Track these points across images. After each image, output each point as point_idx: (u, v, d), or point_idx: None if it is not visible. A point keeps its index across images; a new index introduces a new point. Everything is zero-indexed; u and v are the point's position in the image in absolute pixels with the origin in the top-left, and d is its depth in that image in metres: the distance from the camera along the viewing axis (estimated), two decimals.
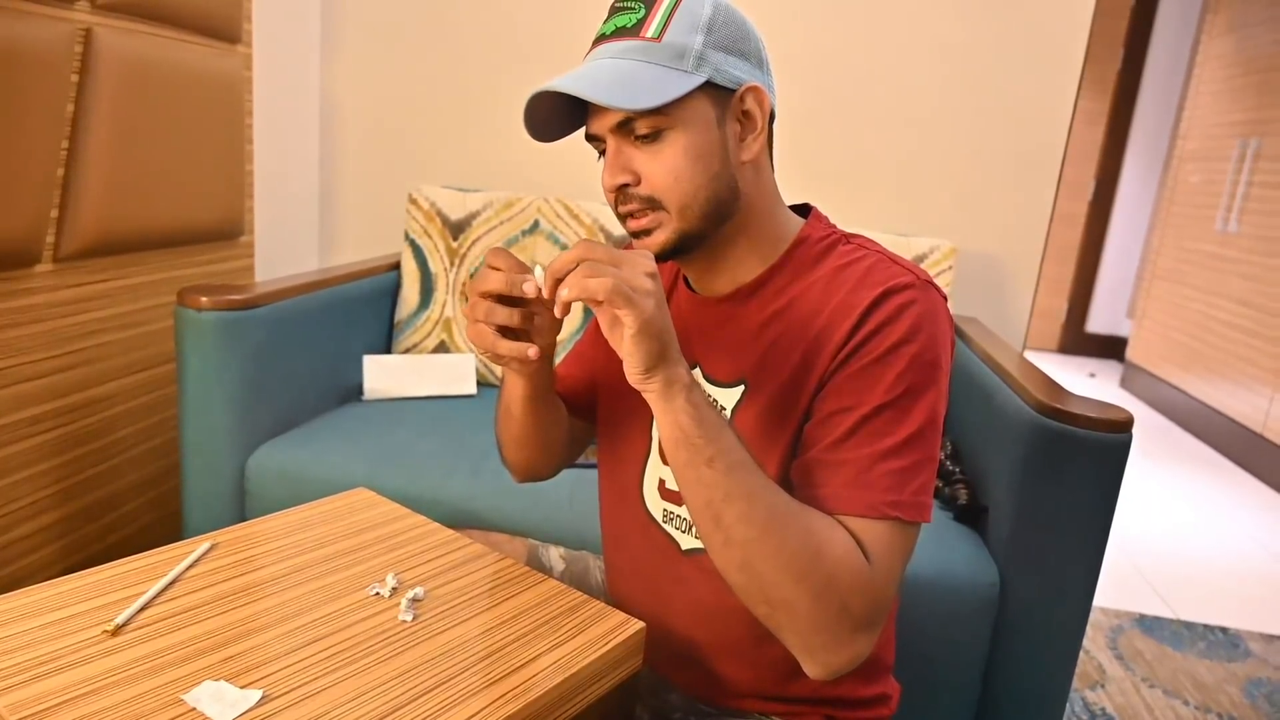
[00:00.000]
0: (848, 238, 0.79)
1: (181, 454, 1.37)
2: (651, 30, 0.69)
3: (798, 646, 0.67)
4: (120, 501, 1.53)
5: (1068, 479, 1.07)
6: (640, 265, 0.61)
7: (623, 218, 0.74)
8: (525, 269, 0.68)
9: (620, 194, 0.72)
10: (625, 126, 0.70)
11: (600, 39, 0.72)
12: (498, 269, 0.67)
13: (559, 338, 0.95)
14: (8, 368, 1.27)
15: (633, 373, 0.63)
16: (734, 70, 0.71)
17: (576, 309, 1.63)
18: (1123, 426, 1.05)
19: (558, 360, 0.96)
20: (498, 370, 1.73)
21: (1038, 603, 1.12)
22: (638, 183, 0.71)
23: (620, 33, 0.70)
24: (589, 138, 0.74)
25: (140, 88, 1.40)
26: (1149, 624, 1.93)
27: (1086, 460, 1.06)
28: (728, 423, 0.66)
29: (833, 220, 0.82)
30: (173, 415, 1.59)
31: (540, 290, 0.65)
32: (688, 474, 0.65)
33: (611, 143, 0.71)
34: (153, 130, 1.45)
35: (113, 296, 1.46)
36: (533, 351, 0.68)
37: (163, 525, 1.63)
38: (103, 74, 1.32)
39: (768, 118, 0.74)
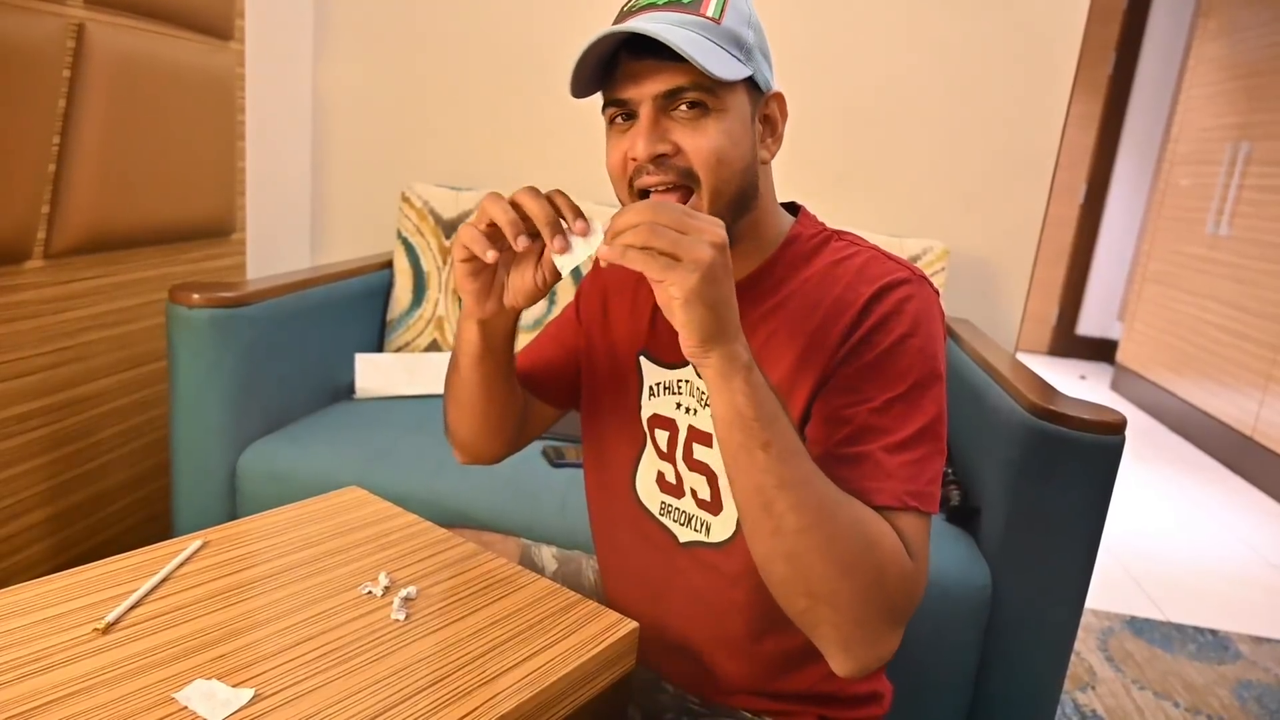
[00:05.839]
0: (839, 234, 0.79)
1: (171, 452, 1.36)
2: (711, 10, 0.68)
3: (833, 640, 0.65)
4: (109, 500, 1.52)
5: (1060, 480, 1.07)
6: (706, 233, 0.58)
7: (643, 190, 0.71)
8: (574, 214, 0.65)
9: (655, 163, 0.69)
10: (673, 96, 0.68)
11: (648, 6, 0.69)
12: (543, 201, 0.64)
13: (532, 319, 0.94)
14: None
15: (687, 345, 0.61)
16: (766, 73, 0.73)
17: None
18: (1116, 428, 1.05)
19: (530, 339, 0.95)
20: None
21: (1029, 604, 1.12)
22: (675, 154, 0.69)
23: (674, 4, 0.69)
24: (615, 102, 0.71)
25: (132, 83, 1.39)
26: (1139, 626, 1.93)
27: (1079, 462, 1.06)
28: (783, 407, 0.64)
29: (826, 220, 0.82)
30: (162, 413, 1.58)
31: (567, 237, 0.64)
32: (740, 458, 0.63)
33: (649, 110, 0.69)
34: (144, 126, 1.44)
35: (103, 293, 1.45)
36: (491, 255, 0.65)
37: (152, 524, 1.62)
38: (94, 69, 1.31)
39: (784, 125, 0.76)
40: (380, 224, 2.10)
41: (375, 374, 1.64)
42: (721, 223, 0.60)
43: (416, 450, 1.35)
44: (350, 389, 1.64)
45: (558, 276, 0.69)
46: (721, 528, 0.79)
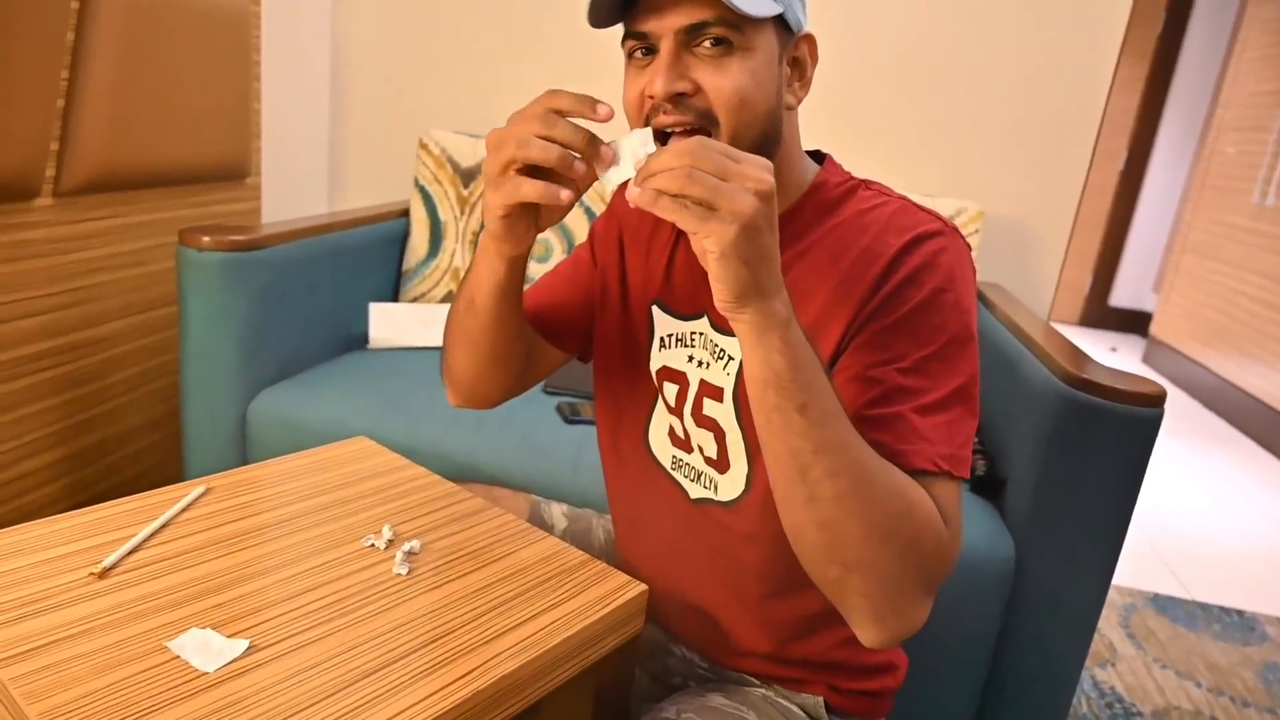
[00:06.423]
0: (866, 183, 0.75)
1: (182, 398, 1.35)
2: None
3: (864, 610, 0.63)
4: (121, 444, 1.52)
5: (1093, 453, 1.03)
6: (751, 179, 0.53)
7: (659, 130, 0.67)
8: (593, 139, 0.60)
9: (673, 103, 0.65)
10: (696, 31, 0.64)
11: None
12: (563, 110, 0.60)
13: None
14: (6, 303, 1.25)
15: (719, 300, 0.57)
16: (798, 12, 0.68)
17: None
18: (1154, 400, 1.01)
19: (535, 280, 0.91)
20: None
21: (1054, 580, 1.08)
22: (695, 93, 0.65)
23: None
24: (635, 35, 0.66)
25: (143, 16, 1.35)
26: (1163, 603, 1.90)
27: (1114, 435, 1.02)
28: (822, 367, 0.60)
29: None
30: (174, 359, 1.57)
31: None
32: (774, 420, 0.59)
33: (670, 45, 0.65)
34: (156, 62, 1.40)
35: (114, 234, 1.43)
36: (565, 195, 0.60)
37: (164, 469, 1.62)
38: (104, 0, 1.27)
39: (814, 69, 0.71)
40: (400, 170, 2.06)
41: (389, 324, 1.61)
42: (769, 166, 0.55)
43: (429, 402, 1.33)
44: (364, 338, 1.62)
45: (589, 185, 0.64)
46: (729, 486, 0.77)
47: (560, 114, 0.60)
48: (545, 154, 0.59)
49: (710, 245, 0.54)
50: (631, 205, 0.55)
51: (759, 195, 0.53)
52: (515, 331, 0.80)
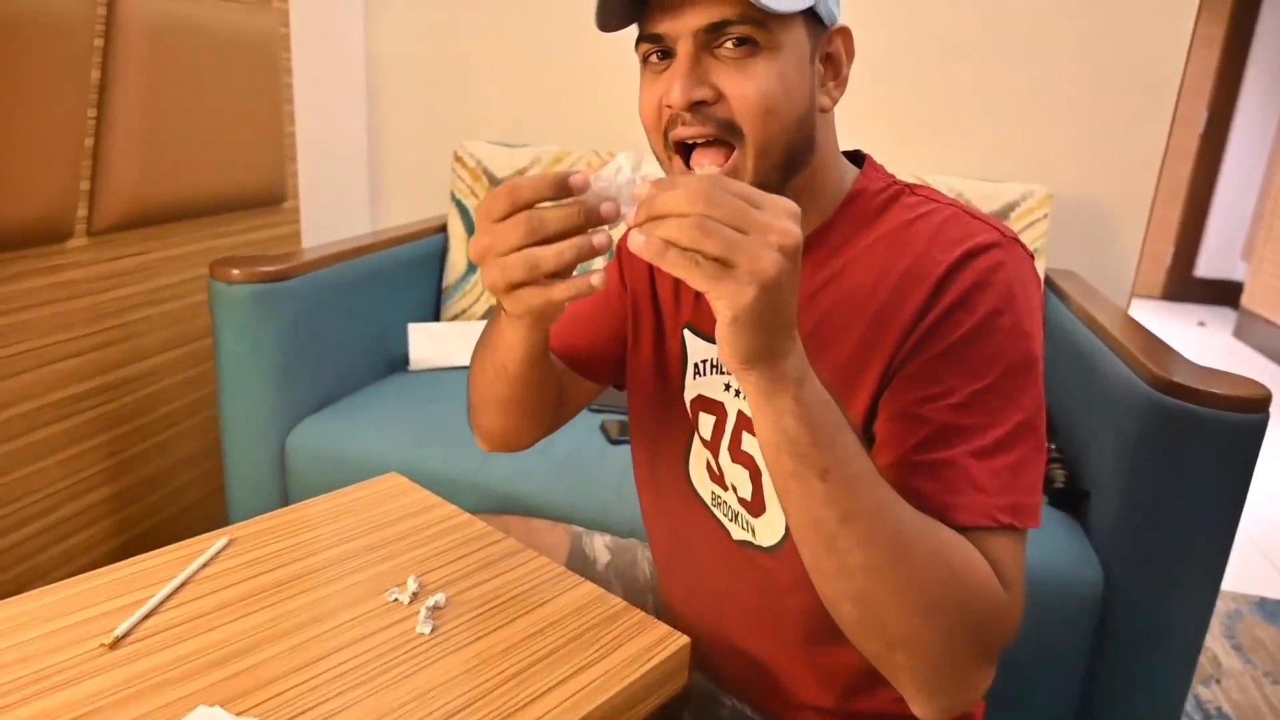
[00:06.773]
0: (911, 188, 0.67)
1: (221, 432, 1.34)
2: None
3: (913, 686, 0.56)
4: (167, 479, 1.52)
5: (1188, 464, 0.93)
6: (774, 231, 0.46)
7: (679, 143, 0.60)
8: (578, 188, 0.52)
9: (693, 112, 0.58)
10: (716, 31, 0.57)
11: None
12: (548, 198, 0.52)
13: None
14: (47, 345, 1.25)
15: (725, 361, 0.51)
16: (831, 5, 0.61)
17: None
18: (1258, 405, 0.90)
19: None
20: None
21: (1149, 603, 0.98)
22: (716, 100, 0.58)
23: None
24: (650, 37, 0.60)
25: (169, 49, 1.35)
26: (1271, 609, 1.75)
27: (1211, 444, 0.92)
28: (847, 422, 0.54)
29: (910, 166, 0.70)
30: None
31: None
32: (792, 488, 0.53)
33: (688, 48, 0.58)
34: (185, 94, 1.39)
35: (151, 269, 1.43)
36: (597, 279, 0.52)
37: (211, 501, 1.62)
38: (128, 36, 1.27)
39: (850, 66, 0.64)
40: (441, 183, 2.04)
41: (429, 344, 1.58)
42: (796, 211, 0.47)
43: (466, 428, 1.28)
44: (407, 359, 1.60)
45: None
46: (767, 531, 0.70)
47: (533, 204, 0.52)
48: (560, 261, 0.51)
49: (722, 307, 0.46)
50: (632, 249, 0.48)
51: (783, 251, 0.45)
52: (550, 383, 0.76)
